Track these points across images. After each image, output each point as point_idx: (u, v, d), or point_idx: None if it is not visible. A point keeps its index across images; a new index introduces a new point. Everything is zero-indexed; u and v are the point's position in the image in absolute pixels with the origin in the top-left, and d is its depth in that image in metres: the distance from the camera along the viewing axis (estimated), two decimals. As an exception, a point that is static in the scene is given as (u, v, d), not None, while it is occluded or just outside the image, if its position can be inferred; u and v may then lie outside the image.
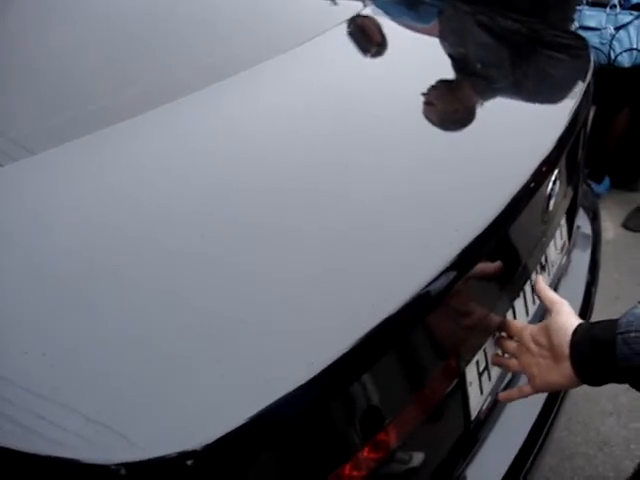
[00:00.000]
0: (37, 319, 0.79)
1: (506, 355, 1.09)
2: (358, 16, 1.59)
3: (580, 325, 0.96)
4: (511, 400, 1.09)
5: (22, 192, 0.98)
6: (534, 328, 1.02)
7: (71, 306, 0.80)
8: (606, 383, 0.94)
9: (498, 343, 1.10)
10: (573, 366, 0.93)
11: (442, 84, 1.38)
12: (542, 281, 1.07)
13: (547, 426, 1.28)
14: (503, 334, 1.09)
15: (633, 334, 0.87)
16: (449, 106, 1.34)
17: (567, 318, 0.98)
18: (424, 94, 1.30)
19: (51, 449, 0.67)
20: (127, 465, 0.66)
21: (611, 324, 0.91)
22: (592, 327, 0.94)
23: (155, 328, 0.78)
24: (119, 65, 1.20)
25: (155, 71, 1.23)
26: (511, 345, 1.06)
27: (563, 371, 0.95)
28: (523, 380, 1.08)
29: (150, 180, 1.01)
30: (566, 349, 0.94)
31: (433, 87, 1.33)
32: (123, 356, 0.74)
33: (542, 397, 1.30)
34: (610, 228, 3.05)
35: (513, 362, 1.05)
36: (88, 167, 1.03)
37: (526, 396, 1.04)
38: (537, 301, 1.28)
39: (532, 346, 1.00)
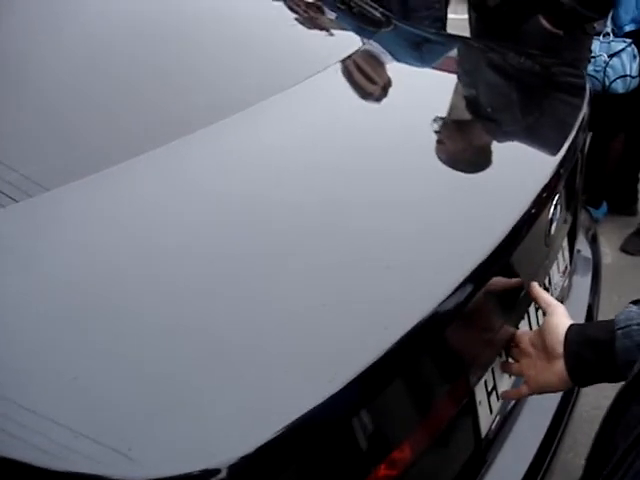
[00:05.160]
0: (71, 344, 0.82)
1: (510, 360, 1.14)
2: (359, 52, 1.62)
3: (572, 326, 0.99)
4: (510, 398, 1.17)
5: (39, 226, 1.01)
6: (532, 332, 1.09)
7: (101, 330, 0.84)
8: (596, 382, 0.97)
9: (507, 352, 1.15)
10: (566, 366, 0.97)
11: (445, 118, 1.42)
12: (537, 285, 1.12)
13: (554, 446, 1.30)
14: (512, 344, 1.13)
15: (635, 327, 0.90)
16: (454, 138, 1.38)
17: (560, 319, 1.02)
18: (431, 129, 1.34)
19: (83, 466, 0.70)
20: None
21: (606, 323, 0.95)
22: (586, 327, 1.00)
23: (184, 353, 0.81)
24: (119, 107, 1.22)
25: (158, 110, 1.24)
26: (514, 350, 1.11)
27: (555, 371, 0.99)
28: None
29: (156, 216, 1.04)
30: (559, 349, 0.98)
31: (436, 120, 1.37)
32: (153, 379, 0.78)
33: (548, 417, 1.33)
34: (608, 252, 3.08)
35: (515, 366, 1.11)
36: (100, 203, 1.05)
37: (523, 396, 1.11)
38: (541, 322, 1.31)
39: (530, 349, 1.06)
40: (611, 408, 0.76)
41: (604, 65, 2.92)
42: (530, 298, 1.13)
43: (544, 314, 1.07)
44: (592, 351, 0.94)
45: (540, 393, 1.06)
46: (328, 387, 0.76)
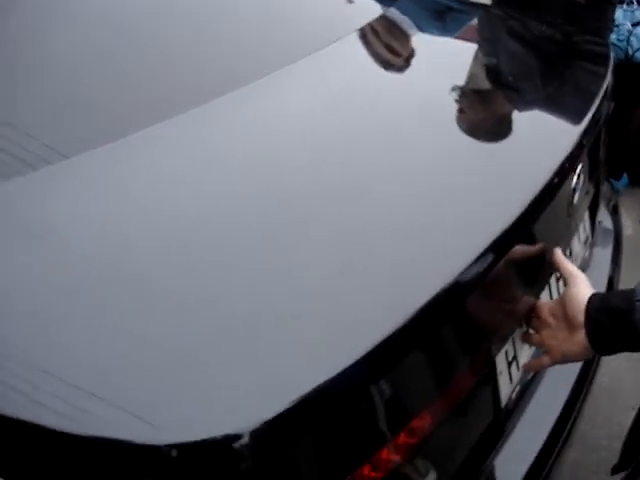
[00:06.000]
0: (93, 310, 0.82)
1: (531, 331, 1.13)
2: (380, 19, 1.61)
3: (594, 295, 0.99)
4: (532, 370, 1.18)
5: (57, 194, 1.00)
6: (552, 303, 1.09)
7: (124, 296, 0.84)
8: (618, 352, 0.97)
9: (527, 322, 1.14)
10: (587, 334, 0.97)
11: (467, 87, 1.40)
12: (560, 253, 1.11)
13: (572, 417, 1.30)
14: (532, 314, 1.13)
15: None
16: (476, 107, 1.37)
17: (582, 289, 1.02)
18: (452, 97, 1.33)
19: (103, 430, 0.71)
20: (178, 446, 0.69)
21: (628, 293, 0.95)
22: (607, 296, 0.99)
23: (211, 318, 0.81)
24: (141, 72, 1.21)
25: (182, 76, 1.22)
26: (534, 321, 1.11)
27: (577, 340, 0.99)
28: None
29: (176, 185, 1.02)
30: (580, 319, 0.98)
31: (457, 88, 1.36)
32: (176, 344, 0.78)
33: (567, 387, 1.32)
34: (629, 224, 3.04)
35: (535, 336, 1.10)
36: (120, 171, 1.04)
37: (544, 367, 1.11)
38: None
39: (550, 320, 1.06)
40: None
41: (628, 34, 2.88)
42: (553, 266, 1.12)
43: (565, 284, 1.06)
44: (610, 318, 0.94)
45: (562, 363, 1.06)
46: (350, 354, 0.76)
